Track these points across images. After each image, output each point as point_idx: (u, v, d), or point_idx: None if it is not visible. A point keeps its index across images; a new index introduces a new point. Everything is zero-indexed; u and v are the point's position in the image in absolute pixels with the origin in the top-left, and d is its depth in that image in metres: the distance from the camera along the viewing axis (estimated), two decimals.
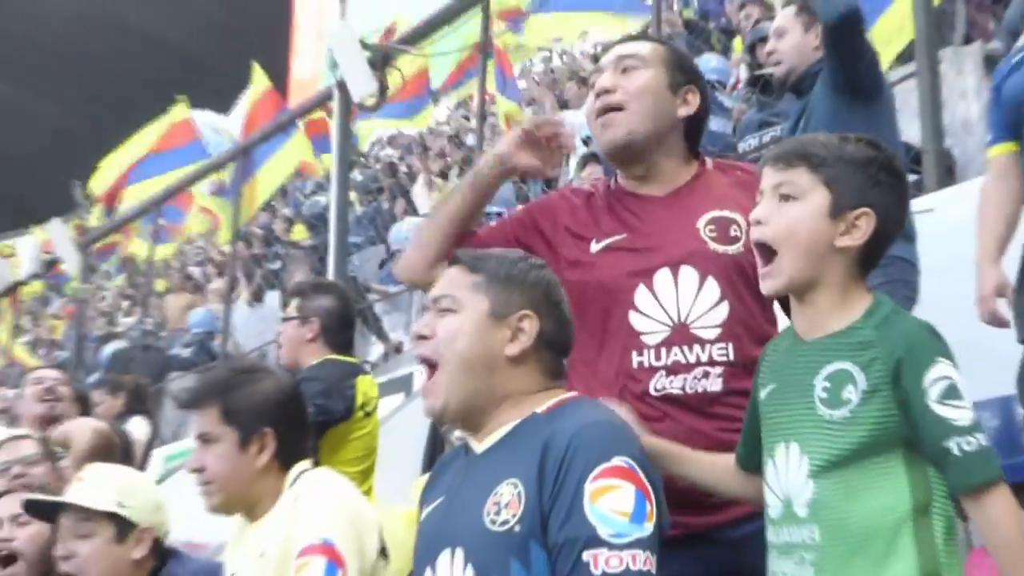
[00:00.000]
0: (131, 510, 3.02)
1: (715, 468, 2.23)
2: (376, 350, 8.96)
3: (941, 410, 1.88)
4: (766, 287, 2.07)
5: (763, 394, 2.13)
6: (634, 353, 2.39)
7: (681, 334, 2.38)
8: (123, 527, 3.00)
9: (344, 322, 4.37)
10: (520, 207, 3.53)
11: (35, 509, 3.18)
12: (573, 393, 2.18)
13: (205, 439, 2.67)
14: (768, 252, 2.03)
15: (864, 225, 2.02)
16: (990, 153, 3.52)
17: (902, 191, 2.12)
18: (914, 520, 1.92)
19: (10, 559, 3.61)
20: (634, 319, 2.41)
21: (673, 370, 2.36)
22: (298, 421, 2.81)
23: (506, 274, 2.15)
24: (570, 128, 2.73)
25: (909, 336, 1.97)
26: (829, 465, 1.95)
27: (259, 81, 10.13)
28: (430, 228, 2.63)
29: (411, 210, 10.28)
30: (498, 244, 2.49)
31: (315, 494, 2.64)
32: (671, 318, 2.39)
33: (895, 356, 1.93)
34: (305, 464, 2.77)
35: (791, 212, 2.03)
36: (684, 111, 2.56)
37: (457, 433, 3.68)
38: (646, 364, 2.38)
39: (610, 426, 2.03)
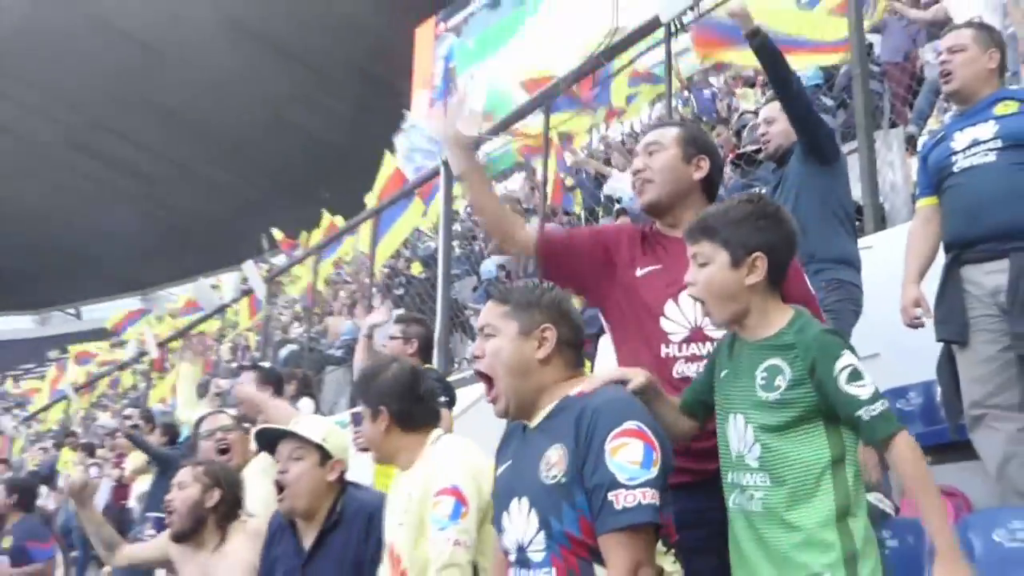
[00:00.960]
0: (331, 445, 3.10)
1: (674, 408, 2.26)
2: (471, 350, 8.97)
3: (849, 389, 1.96)
4: (712, 323, 2.23)
5: (721, 375, 2.17)
6: (663, 346, 2.46)
7: (697, 334, 2.44)
8: (324, 456, 3.07)
9: (430, 343, 4.50)
10: (603, 224, 3.63)
11: (262, 438, 3.25)
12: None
13: (359, 417, 2.91)
14: (696, 299, 2.17)
15: (760, 264, 2.09)
16: (918, 204, 3.56)
17: (782, 225, 2.16)
18: (832, 469, 2.00)
19: (225, 451, 4.03)
20: (664, 323, 2.48)
21: (691, 359, 2.44)
22: (411, 395, 2.87)
23: (527, 300, 2.22)
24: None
25: (819, 338, 2.04)
26: (769, 431, 2.01)
27: (388, 164, 10.23)
28: (488, 225, 2.82)
29: (495, 252, 10.30)
30: (585, 243, 2.65)
31: (448, 451, 2.73)
32: (690, 323, 2.45)
33: (811, 354, 2.01)
34: (440, 431, 2.87)
35: (705, 273, 2.12)
36: (698, 175, 2.62)
37: None
38: (672, 355, 2.46)
39: (623, 400, 2.07)
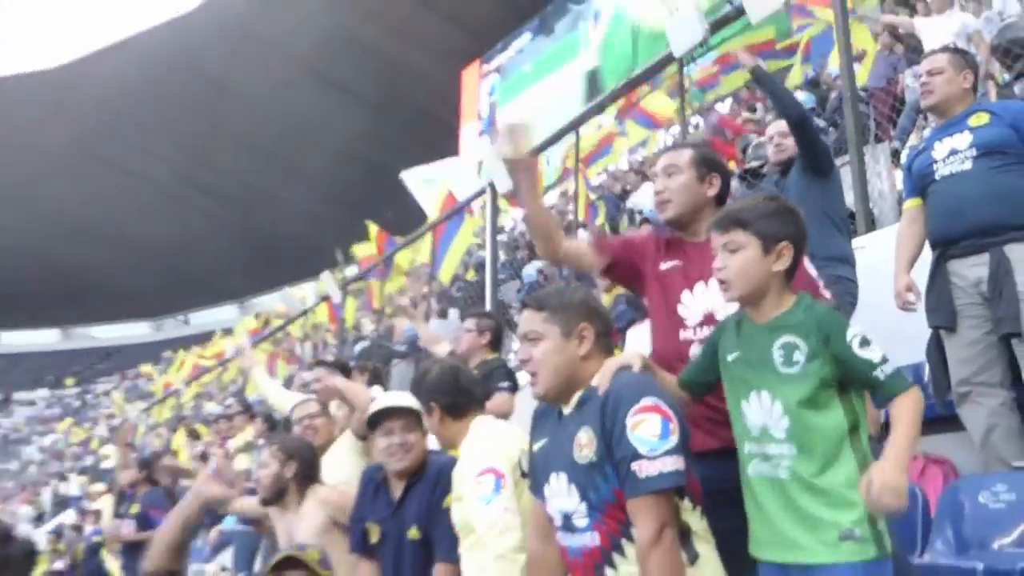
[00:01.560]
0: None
1: (671, 383, 2.20)
2: (516, 344, 8.95)
3: (863, 353, 1.90)
4: (726, 297, 2.10)
5: (730, 358, 2.09)
6: (680, 330, 2.44)
7: (709, 319, 2.40)
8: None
9: (500, 335, 4.45)
10: (644, 230, 3.60)
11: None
12: None
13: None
14: (724, 282, 2.07)
15: (787, 253, 2.03)
16: (905, 205, 3.51)
17: (800, 221, 2.09)
18: (850, 435, 1.91)
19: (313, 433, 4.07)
20: (682, 310, 2.45)
21: (703, 341, 2.38)
22: (454, 389, 2.83)
23: (562, 304, 2.15)
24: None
25: (828, 314, 1.99)
26: (796, 404, 1.92)
27: (444, 188, 10.22)
28: (533, 230, 2.76)
29: (534, 258, 10.26)
30: (632, 247, 2.64)
31: (479, 436, 2.72)
32: (703, 309, 2.42)
33: (824, 328, 1.93)
34: (478, 416, 2.82)
35: (738, 259, 2.04)
36: (711, 191, 2.57)
37: None
38: (688, 338, 2.43)
39: (639, 380, 2.02)
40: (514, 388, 4.15)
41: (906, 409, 1.88)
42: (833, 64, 7.85)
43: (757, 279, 2.03)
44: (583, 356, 2.10)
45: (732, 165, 8.01)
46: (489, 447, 2.63)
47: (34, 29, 41.72)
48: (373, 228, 10.87)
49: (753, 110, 9.25)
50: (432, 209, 9.05)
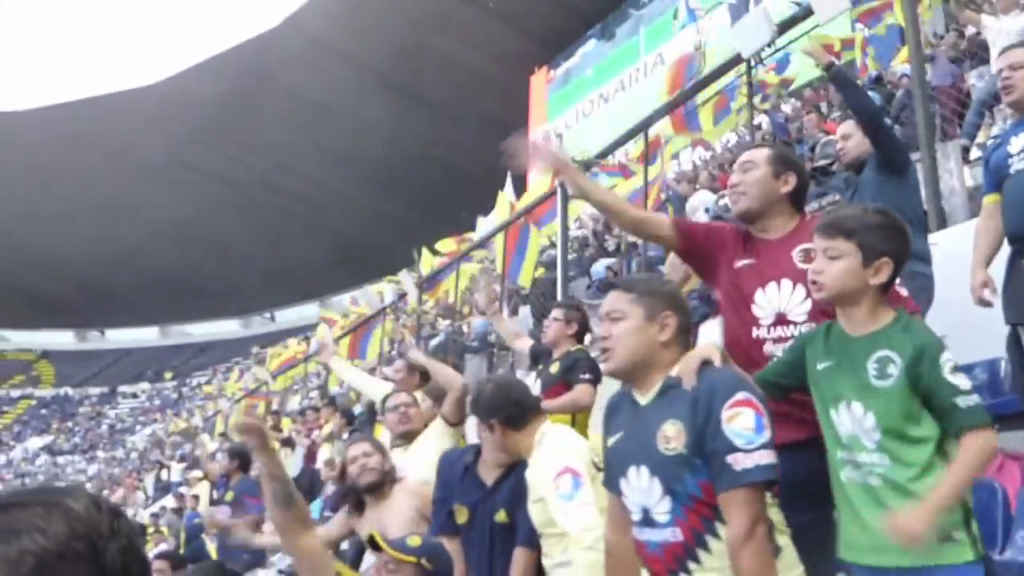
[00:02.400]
0: None
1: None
2: (586, 340, 8.89)
3: (952, 379, 1.85)
4: (816, 296, 2.07)
5: (820, 366, 2.03)
6: (754, 328, 2.39)
7: (781, 319, 2.36)
8: None
9: (586, 326, 4.39)
10: (717, 221, 3.59)
11: None
12: None
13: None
14: (815, 283, 2.04)
15: (886, 269, 1.97)
16: (983, 201, 3.37)
17: (905, 240, 2.04)
18: (936, 446, 1.87)
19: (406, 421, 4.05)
20: (755, 309, 2.41)
21: (777, 340, 2.35)
22: (508, 403, 2.86)
23: (650, 290, 2.10)
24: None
25: (924, 336, 1.94)
26: (888, 417, 1.87)
27: (506, 196, 10.20)
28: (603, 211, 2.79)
29: (606, 255, 10.19)
30: (711, 234, 2.61)
31: (553, 439, 2.74)
32: (775, 309, 2.37)
33: (918, 348, 1.88)
34: (544, 430, 2.83)
35: (838, 266, 1.99)
36: (786, 188, 2.52)
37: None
38: (761, 336, 2.38)
39: (732, 375, 1.98)
40: (596, 380, 4.06)
41: (971, 449, 1.82)
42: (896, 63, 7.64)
43: (852, 289, 1.99)
44: (662, 343, 2.03)
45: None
46: (561, 449, 2.63)
47: (131, 49, 43.16)
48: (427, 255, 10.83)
49: (818, 109, 9.02)
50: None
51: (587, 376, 4.06)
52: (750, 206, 2.51)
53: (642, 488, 1.98)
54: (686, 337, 2.13)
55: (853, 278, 1.97)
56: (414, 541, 2.68)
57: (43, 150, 37.40)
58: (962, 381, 1.85)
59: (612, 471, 2.11)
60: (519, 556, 2.84)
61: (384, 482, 3.44)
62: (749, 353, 2.32)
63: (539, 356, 4.48)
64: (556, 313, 4.36)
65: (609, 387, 4.25)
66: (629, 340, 2.03)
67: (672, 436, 1.92)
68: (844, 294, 1.99)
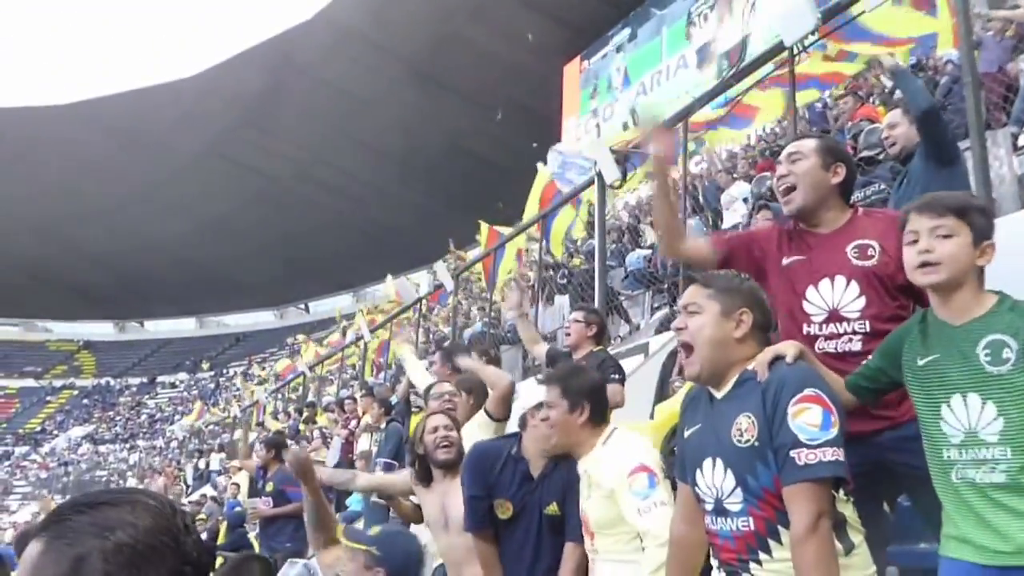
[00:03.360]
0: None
1: (836, 382, 2.10)
2: (624, 329, 8.87)
3: None
4: (928, 279, 1.94)
5: (921, 362, 1.95)
6: (805, 325, 2.37)
7: (834, 316, 2.33)
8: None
9: (605, 329, 4.49)
10: (760, 226, 3.57)
11: None
12: None
13: (549, 405, 2.77)
14: (930, 264, 1.93)
15: (990, 252, 1.92)
16: None
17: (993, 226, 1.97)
18: None
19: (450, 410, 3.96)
20: (806, 306, 2.38)
21: (829, 337, 2.33)
22: (603, 396, 2.82)
23: (727, 287, 2.10)
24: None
25: None
26: (1010, 404, 1.79)
27: (542, 176, 10.13)
28: (657, 231, 2.73)
29: (638, 247, 10.13)
30: (750, 242, 2.59)
31: (625, 441, 2.69)
32: (828, 306, 2.34)
33: None
34: (613, 427, 2.78)
35: (951, 245, 1.91)
36: (836, 180, 2.47)
37: (676, 383, 3.63)
38: (813, 333, 2.36)
39: (803, 370, 1.95)
40: (623, 380, 4.12)
41: None
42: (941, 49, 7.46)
43: (964, 268, 1.90)
44: (738, 339, 2.03)
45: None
46: (634, 448, 2.61)
47: (167, 43, 43.68)
48: (484, 227, 10.91)
49: (856, 93, 8.86)
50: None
51: (616, 376, 4.09)
52: (804, 203, 2.45)
53: (717, 480, 1.99)
54: (764, 335, 2.11)
55: (967, 258, 1.90)
56: (374, 530, 2.77)
57: (83, 144, 38.07)
58: None
59: (687, 463, 2.12)
60: (573, 551, 2.83)
61: (458, 461, 3.39)
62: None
63: (556, 358, 4.51)
64: (576, 315, 4.46)
65: (633, 387, 4.24)
66: (706, 335, 2.04)
67: (745, 428, 1.92)
68: (957, 275, 1.90)
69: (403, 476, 3.89)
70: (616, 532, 2.59)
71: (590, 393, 2.73)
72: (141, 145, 38.06)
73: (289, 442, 9.82)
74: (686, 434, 2.15)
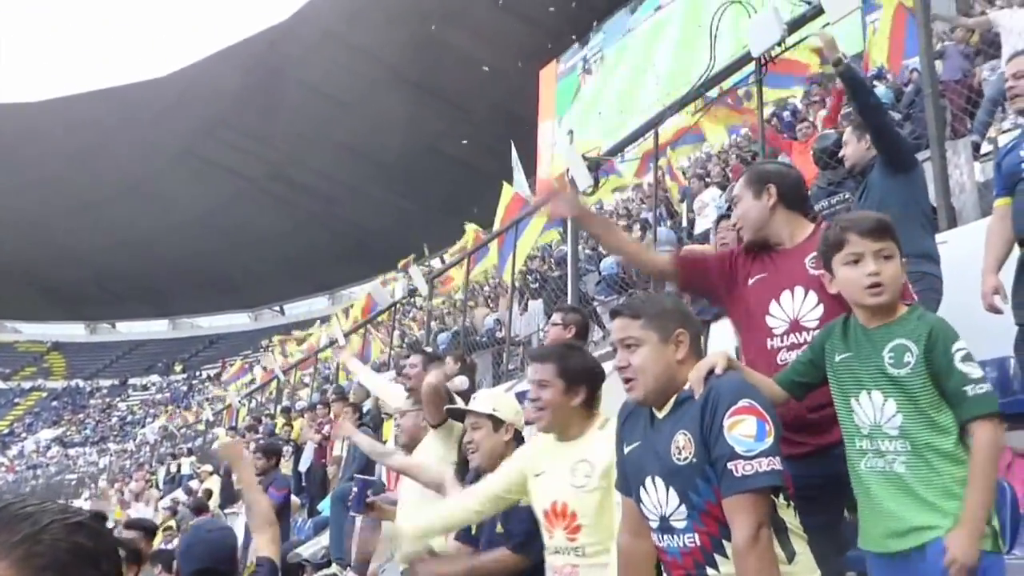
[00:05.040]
0: (502, 414, 3.01)
1: (766, 384, 2.15)
2: (598, 334, 8.90)
3: (963, 367, 1.87)
4: (877, 301, 2.01)
5: (838, 358, 2.06)
6: (768, 339, 2.41)
7: (795, 326, 2.38)
8: (497, 422, 2.99)
9: (587, 329, 4.36)
10: (722, 250, 3.60)
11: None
12: None
13: (542, 384, 2.56)
14: (879, 286, 2.00)
15: (906, 267, 2.06)
16: (995, 204, 3.37)
17: None
18: (957, 433, 1.89)
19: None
20: (768, 320, 2.42)
21: (791, 347, 2.36)
22: (599, 381, 2.62)
23: (658, 311, 2.09)
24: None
25: (938, 324, 1.96)
26: (906, 403, 1.91)
27: (507, 192, 10.17)
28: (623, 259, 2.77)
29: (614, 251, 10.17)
30: (713, 264, 2.63)
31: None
32: (789, 317, 2.39)
33: (932, 336, 1.91)
34: (607, 416, 2.61)
35: (892, 267, 2.01)
36: (770, 202, 2.53)
37: None
38: (775, 346, 2.40)
39: (733, 381, 1.97)
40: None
41: (981, 443, 1.84)
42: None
43: (899, 286, 2.03)
44: (679, 360, 2.05)
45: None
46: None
47: (146, 40, 43.24)
48: (471, 228, 10.92)
49: (824, 103, 8.99)
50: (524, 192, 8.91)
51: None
52: (750, 238, 2.56)
53: (659, 498, 2.01)
54: (698, 345, 2.15)
55: (902, 277, 2.02)
56: (186, 526, 2.91)
57: (57, 141, 37.66)
58: (972, 370, 1.86)
59: (629, 479, 2.13)
60: (503, 557, 2.80)
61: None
62: (769, 364, 2.33)
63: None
64: (555, 318, 4.38)
65: (611, 388, 4.28)
66: (650, 367, 2.05)
67: (683, 446, 1.95)
68: (896, 293, 2.01)
69: (436, 468, 3.71)
70: (605, 526, 2.43)
71: (588, 377, 2.57)
72: (116, 143, 37.70)
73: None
74: (626, 450, 2.15)
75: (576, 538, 2.48)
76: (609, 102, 24.43)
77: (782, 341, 2.38)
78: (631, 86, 23.49)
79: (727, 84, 5.97)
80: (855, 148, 3.89)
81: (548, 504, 2.55)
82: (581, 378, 2.55)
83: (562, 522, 2.51)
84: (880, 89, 8.10)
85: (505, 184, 10.25)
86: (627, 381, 2.10)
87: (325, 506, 7.95)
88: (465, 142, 31.53)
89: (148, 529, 5.48)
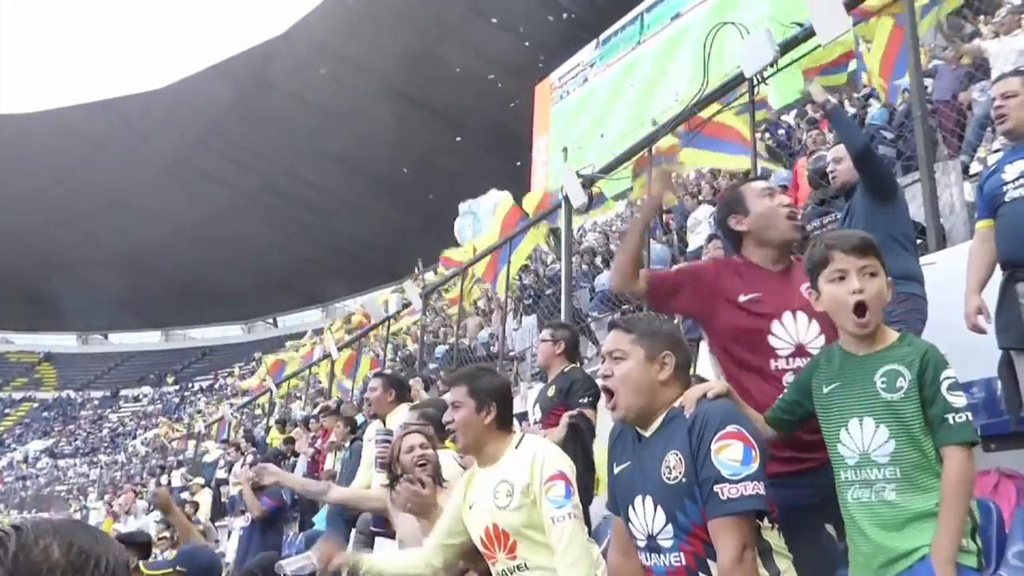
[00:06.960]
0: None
1: (758, 419, 2.17)
2: (591, 351, 8.94)
3: (948, 396, 1.89)
4: (864, 332, 2.03)
5: (827, 389, 2.07)
6: (772, 360, 2.41)
7: (800, 350, 2.39)
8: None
9: (577, 345, 4.38)
10: (704, 263, 3.62)
11: None
12: None
13: (455, 405, 2.65)
14: (864, 305, 2.01)
15: (892, 288, 2.06)
16: (977, 226, 3.42)
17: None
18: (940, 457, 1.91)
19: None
20: (772, 340, 2.42)
21: (796, 371, 2.35)
22: (510, 400, 2.69)
23: (649, 331, 2.15)
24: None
25: (930, 352, 1.96)
26: (899, 429, 1.93)
27: (505, 203, 10.22)
28: (621, 258, 2.66)
29: (608, 268, 10.22)
30: (689, 280, 2.59)
31: (540, 447, 2.60)
32: (794, 340, 2.41)
33: (923, 362, 1.92)
34: (522, 434, 2.71)
35: (876, 284, 2.03)
36: (742, 227, 2.59)
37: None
38: (780, 368, 2.40)
39: (724, 408, 2.02)
40: (595, 401, 4.05)
41: (954, 467, 1.87)
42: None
43: (884, 304, 2.04)
44: (662, 381, 2.09)
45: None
46: (552, 453, 2.55)
47: (140, 53, 43.31)
48: (471, 243, 10.92)
49: (814, 123, 9.08)
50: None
51: (586, 400, 4.05)
52: (752, 239, 2.58)
53: (648, 517, 2.05)
54: (686, 374, 2.19)
55: (887, 295, 2.03)
56: (170, 555, 2.89)
57: (51, 153, 37.63)
58: (957, 399, 1.89)
59: (618, 499, 2.18)
60: None
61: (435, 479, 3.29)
62: (773, 384, 2.33)
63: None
64: (544, 335, 4.38)
65: (602, 409, 4.29)
66: (631, 380, 2.10)
67: (673, 466, 1.99)
68: (881, 313, 2.02)
69: (377, 492, 3.73)
70: (543, 537, 2.47)
71: (497, 395, 2.64)
72: (110, 155, 37.69)
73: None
74: (616, 470, 2.20)
75: (516, 554, 2.53)
76: (603, 118, 24.53)
77: (787, 363, 2.38)
78: (624, 103, 23.59)
79: (709, 112, 6.00)
80: (848, 167, 3.93)
81: (482, 531, 2.59)
82: (491, 396, 2.63)
83: (499, 543, 2.56)
84: (874, 109, 8.18)
85: (503, 195, 10.29)
86: (609, 395, 2.15)
87: (319, 519, 7.94)
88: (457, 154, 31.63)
89: (141, 544, 5.47)
